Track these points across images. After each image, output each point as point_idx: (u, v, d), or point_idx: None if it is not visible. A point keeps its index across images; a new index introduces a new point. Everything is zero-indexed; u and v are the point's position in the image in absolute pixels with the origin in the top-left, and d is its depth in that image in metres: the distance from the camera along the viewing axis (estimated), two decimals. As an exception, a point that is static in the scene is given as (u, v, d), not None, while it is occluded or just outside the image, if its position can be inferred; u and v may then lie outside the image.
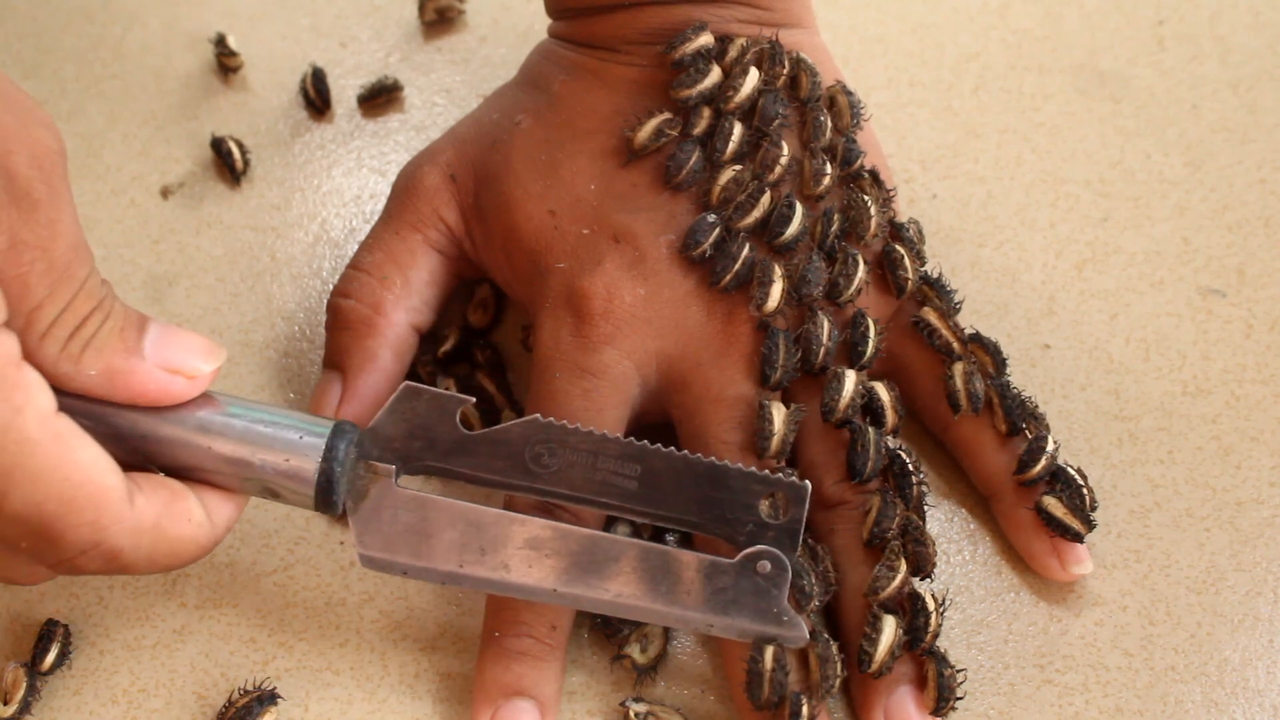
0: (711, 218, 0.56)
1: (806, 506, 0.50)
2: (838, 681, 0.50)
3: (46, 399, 0.43)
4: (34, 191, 0.43)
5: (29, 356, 0.44)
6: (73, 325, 0.45)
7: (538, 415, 0.50)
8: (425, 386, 0.49)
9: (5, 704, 0.52)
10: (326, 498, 0.48)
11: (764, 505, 0.50)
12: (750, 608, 0.49)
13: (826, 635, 0.51)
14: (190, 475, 0.48)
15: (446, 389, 0.59)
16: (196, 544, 0.47)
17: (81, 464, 0.44)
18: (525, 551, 0.49)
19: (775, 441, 0.53)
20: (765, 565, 0.49)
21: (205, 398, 0.48)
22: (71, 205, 0.45)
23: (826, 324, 0.55)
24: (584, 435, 0.49)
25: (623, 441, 0.50)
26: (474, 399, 0.50)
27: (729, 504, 0.50)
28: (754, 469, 0.50)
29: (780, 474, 0.50)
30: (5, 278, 0.43)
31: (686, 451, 0.50)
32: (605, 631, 0.54)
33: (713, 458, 0.50)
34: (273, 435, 0.48)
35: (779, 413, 0.53)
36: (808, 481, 0.50)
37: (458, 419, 0.49)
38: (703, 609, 0.50)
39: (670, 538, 0.54)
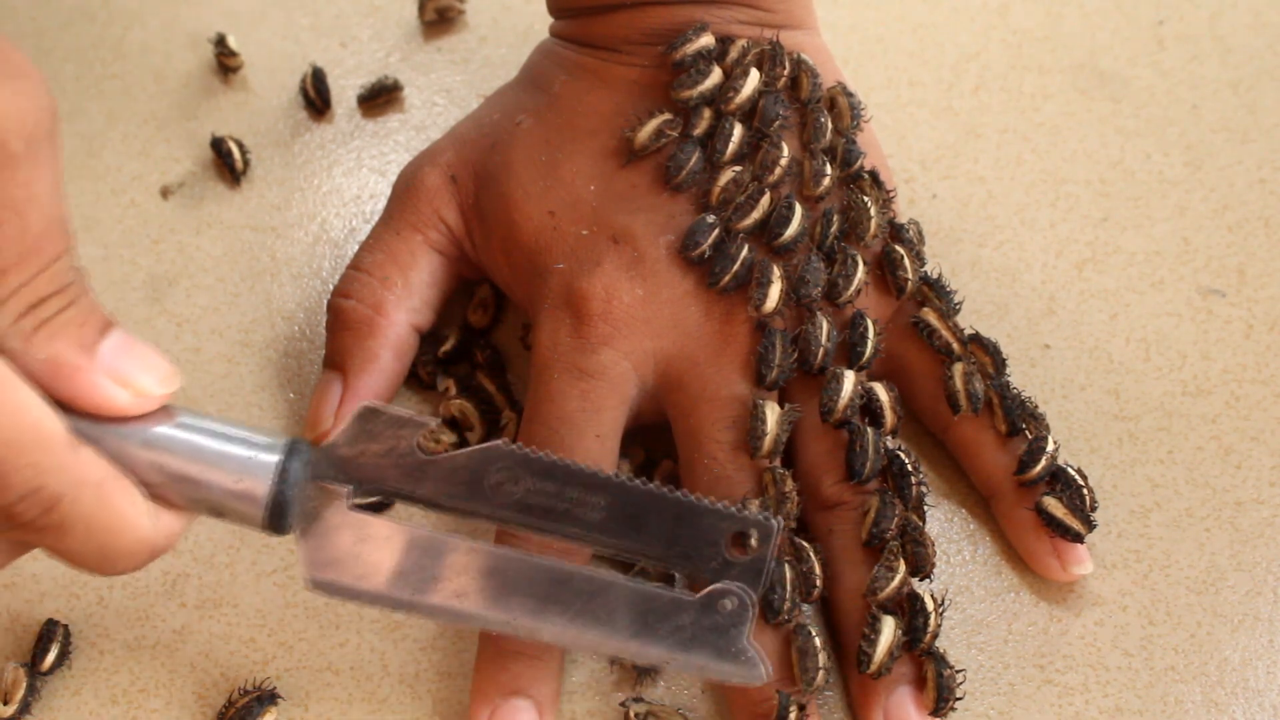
0: (711, 218, 0.56)
1: (773, 544, 0.48)
2: (820, 674, 0.50)
3: None
4: (9, 144, 0.40)
5: None
6: (30, 301, 0.42)
7: (500, 442, 0.47)
8: (384, 406, 0.47)
9: (5, 704, 0.52)
10: (278, 520, 0.46)
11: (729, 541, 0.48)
12: (710, 646, 0.48)
13: (809, 629, 0.51)
14: None
15: (446, 389, 0.60)
16: (136, 532, 0.44)
17: (26, 405, 0.41)
18: (481, 580, 0.47)
19: (767, 441, 0.53)
20: (727, 604, 0.48)
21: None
22: (55, 175, 0.42)
23: (825, 325, 0.55)
24: (547, 464, 0.47)
25: (588, 471, 0.47)
26: (433, 421, 0.47)
27: (695, 540, 0.48)
28: (722, 505, 0.48)
29: (748, 511, 0.48)
30: None
31: (655, 484, 0.48)
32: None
33: (681, 492, 0.48)
34: (223, 453, 0.45)
35: (772, 413, 0.53)
36: (778, 519, 0.48)
37: (415, 442, 0.47)
38: (661, 645, 0.48)
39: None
